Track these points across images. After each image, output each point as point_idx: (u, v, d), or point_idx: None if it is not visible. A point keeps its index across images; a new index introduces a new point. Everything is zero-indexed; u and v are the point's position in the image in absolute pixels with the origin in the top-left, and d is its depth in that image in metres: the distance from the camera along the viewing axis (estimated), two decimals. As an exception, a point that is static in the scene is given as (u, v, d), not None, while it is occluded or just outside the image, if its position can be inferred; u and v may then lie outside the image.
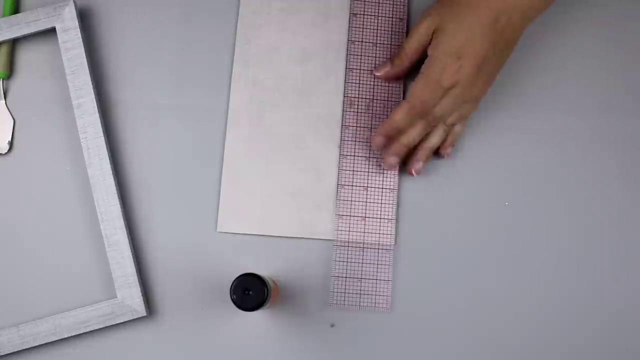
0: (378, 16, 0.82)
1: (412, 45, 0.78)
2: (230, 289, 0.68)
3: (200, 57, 0.82)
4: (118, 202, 0.78)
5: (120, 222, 0.78)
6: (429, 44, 0.76)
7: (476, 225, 0.80)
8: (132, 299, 0.77)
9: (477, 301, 0.79)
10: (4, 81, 0.81)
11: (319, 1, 0.83)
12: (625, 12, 0.83)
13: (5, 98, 0.81)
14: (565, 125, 0.81)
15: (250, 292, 0.68)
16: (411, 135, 0.77)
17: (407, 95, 0.77)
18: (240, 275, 0.68)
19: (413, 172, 0.79)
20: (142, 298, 0.77)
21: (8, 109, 0.81)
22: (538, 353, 0.79)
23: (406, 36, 0.80)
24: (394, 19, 0.82)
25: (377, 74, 0.81)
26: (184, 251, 0.79)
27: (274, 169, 0.80)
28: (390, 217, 0.80)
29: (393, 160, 0.79)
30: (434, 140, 0.78)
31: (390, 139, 0.78)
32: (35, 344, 0.76)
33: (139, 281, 0.77)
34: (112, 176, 0.78)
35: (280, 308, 0.79)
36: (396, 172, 0.80)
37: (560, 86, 0.82)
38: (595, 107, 0.82)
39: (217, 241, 0.79)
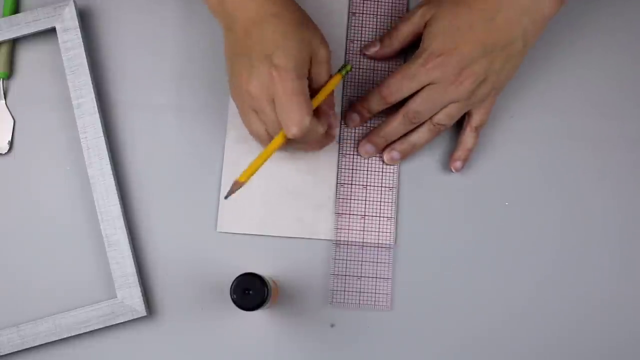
0: (377, 15, 0.82)
1: (404, 29, 0.78)
2: (230, 289, 0.68)
3: (200, 57, 0.82)
4: (118, 202, 0.78)
5: (120, 222, 0.78)
6: (422, 32, 0.76)
7: (476, 225, 0.80)
8: (132, 299, 0.77)
9: (477, 300, 0.79)
10: (4, 81, 0.81)
11: (319, 1, 0.83)
12: (629, 14, 0.83)
13: (5, 98, 0.81)
14: (566, 125, 0.81)
15: (250, 292, 0.68)
16: (390, 128, 0.77)
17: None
18: (240, 275, 0.68)
19: (385, 159, 0.79)
20: (142, 298, 0.77)
21: (8, 109, 0.81)
22: (538, 352, 0.79)
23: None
24: (393, 18, 0.82)
25: (367, 53, 0.81)
26: (184, 251, 0.79)
27: (274, 169, 0.80)
28: (389, 216, 0.80)
29: (368, 147, 0.79)
30: (415, 135, 0.78)
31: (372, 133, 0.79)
32: (35, 344, 0.76)
33: (139, 281, 0.77)
34: (112, 176, 0.78)
35: (280, 308, 0.79)
36: (396, 171, 0.80)
37: (561, 86, 0.82)
38: (597, 107, 0.82)
39: (217, 241, 0.79)
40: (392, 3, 0.82)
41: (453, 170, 0.79)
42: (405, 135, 0.78)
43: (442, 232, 0.80)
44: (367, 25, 0.82)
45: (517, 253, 0.80)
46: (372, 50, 0.80)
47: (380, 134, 0.78)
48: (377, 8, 0.83)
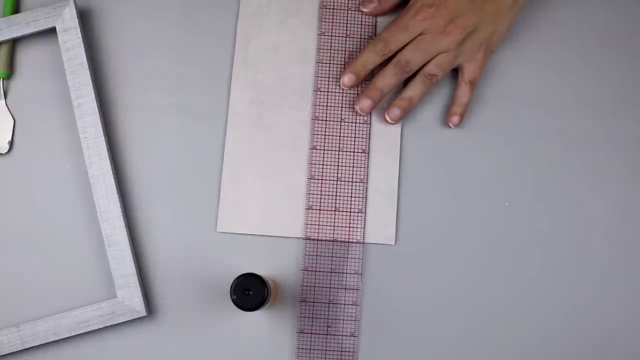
0: (348, 10, 0.83)
1: None
2: (230, 289, 0.68)
3: (200, 57, 0.82)
4: (118, 202, 0.78)
5: (120, 222, 0.78)
6: None
7: (476, 225, 0.80)
8: (132, 299, 0.77)
9: (476, 300, 0.79)
10: (4, 81, 0.81)
11: (319, 1, 0.83)
12: (629, 15, 0.83)
13: (5, 98, 0.81)
14: (566, 125, 0.82)
15: (250, 292, 0.68)
16: (383, 79, 0.79)
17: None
18: (240, 275, 0.68)
19: (387, 117, 0.80)
20: (142, 298, 0.77)
21: (8, 109, 0.81)
22: (537, 352, 0.79)
23: (375, 29, 0.82)
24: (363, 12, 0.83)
25: (364, 9, 0.82)
26: (184, 251, 0.79)
27: (274, 169, 0.80)
28: (360, 210, 0.79)
29: (365, 102, 0.80)
30: (411, 89, 0.79)
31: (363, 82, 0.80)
32: (35, 344, 0.76)
33: (139, 281, 0.77)
34: (112, 176, 0.78)
35: (280, 308, 0.79)
36: (365, 166, 0.80)
37: (562, 87, 0.82)
38: (597, 108, 0.82)
39: (217, 241, 0.79)
40: None
41: (451, 126, 0.80)
42: (401, 91, 0.80)
43: (442, 234, 0.80)
44: (338, 19, 0.82)
45: (517, 253, 0.80)
46: (371, 7, 0.82)
47: (375, 86, 0.79)
48: (348, 1, 0.83)
